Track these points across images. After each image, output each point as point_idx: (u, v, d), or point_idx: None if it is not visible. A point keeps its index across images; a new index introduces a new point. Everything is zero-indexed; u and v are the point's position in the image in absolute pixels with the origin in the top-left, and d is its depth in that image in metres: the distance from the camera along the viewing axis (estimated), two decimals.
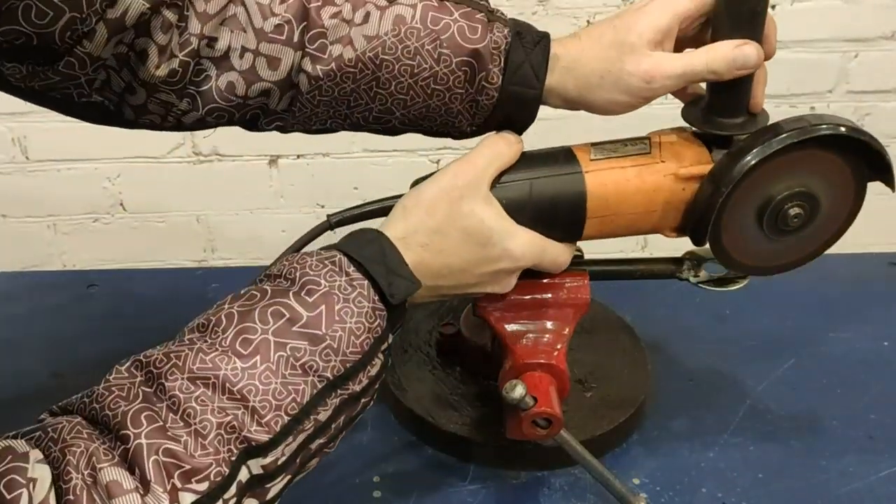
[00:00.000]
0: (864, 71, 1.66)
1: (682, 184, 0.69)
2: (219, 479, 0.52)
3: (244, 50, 0.67)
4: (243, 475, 0.54)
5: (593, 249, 0.79)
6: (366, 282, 0.60)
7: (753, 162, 0.66)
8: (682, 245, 0.75)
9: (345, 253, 0.62)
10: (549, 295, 0.75)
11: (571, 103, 0.71)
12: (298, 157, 1.72)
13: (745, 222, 0.70)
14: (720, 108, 0.70)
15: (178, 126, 0.71)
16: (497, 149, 0.69)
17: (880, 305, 1.00)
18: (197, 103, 0.68)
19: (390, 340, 0.63)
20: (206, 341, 0.56)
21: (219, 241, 1.84)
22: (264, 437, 0.54)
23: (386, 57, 0.67)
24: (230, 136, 1.76)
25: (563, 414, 0.70)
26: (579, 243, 0.78)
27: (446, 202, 0.65)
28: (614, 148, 0.71)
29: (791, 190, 0.68)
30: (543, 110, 0.72)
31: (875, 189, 0.71)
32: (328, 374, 0.57)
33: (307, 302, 0.58)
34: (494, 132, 0.71)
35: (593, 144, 0.72)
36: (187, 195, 1.77)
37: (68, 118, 0.72)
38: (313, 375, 0.57)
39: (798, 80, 1.65)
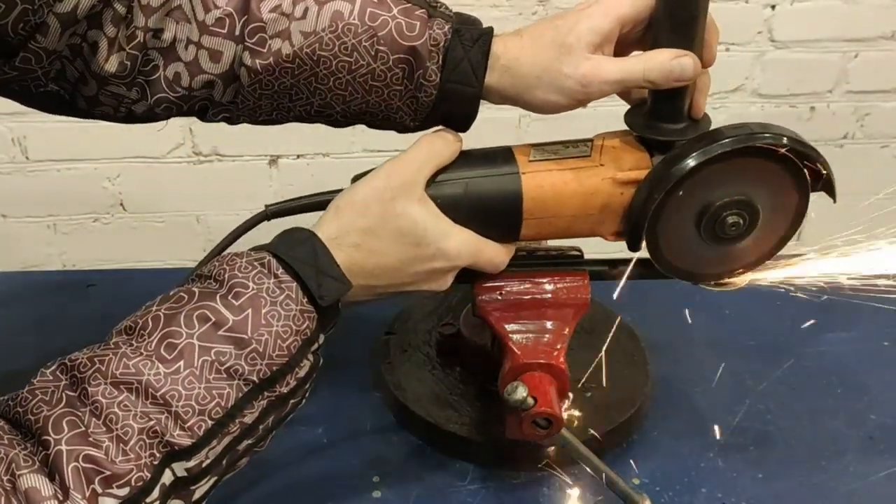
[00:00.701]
0: (864, 71, 1.66)
1: (621, 188, 0.69)
2: (140, 483, 0.53)
3: (188, 42, 0.68)
4: (167, 478, 0.55)
5: (593, 249, 0.79)
6: (294, 284, 0.60)
7: (689, 167, 0.65)
8: None
9: (275, 254, 0.61)
10: (549, 295, 0.75)
11: (509, 101, 0.71)
12: (298, 157, 1.72)
13: (684, 228, 0.70)
14: (661, 113, 0.69)
15: (130, 116, 0.71)
16: (433, 147, 0.68)
17: (880, 305, 1.00)
18: (146, 93, 0.69)
19: (321, 341, 0.63)
20: (130, 345, 0.56)
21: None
22: (187, 442, 0.55)
23: (323, 53, 0.67)
24: (230, 136, 1.75)
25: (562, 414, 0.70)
26: (579, 244, 0.78)
27: (379, 202, 0.65)
28: (555, 150, 0.71)
29: (729, 197, 0.68)
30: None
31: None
32: (254, 378, 0.58)
33: (233, 305, 0.58)
34: (432, 130, 0.71)
35: (534, 145, 0.71)
36: (187, 195, 1.77)
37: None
38: (238, 379, 0.57)
39: (798, 80, 1.65)
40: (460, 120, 0.71)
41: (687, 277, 0.74)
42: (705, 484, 0.78)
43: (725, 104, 1.66)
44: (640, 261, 0.75)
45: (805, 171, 0.67)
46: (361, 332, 0.93)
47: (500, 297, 0.76)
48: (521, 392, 0.68)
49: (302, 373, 0.61)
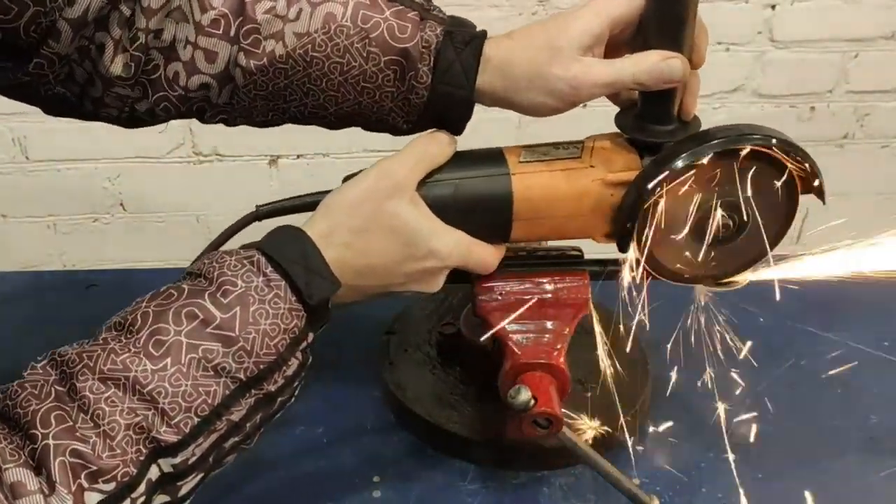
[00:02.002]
0: (864, 71, 1.66)
1: (611, 189, 0.69)
2: (126, 478, 0.53)
3: (186, 41, 0.68)
4: (153, 474, 0.55)
5: (593, 249, 0.79)
6: (283, 282, 0.60)
7: (678, 168, 0.65)
8: None
9: (264, 252, 0.62)
10: (549, 295, 0.75)
11: (500, 103, 0.71)
12: (298, 157, 1.72)
13: (674, 230, 0.69)
14: (650, 115, 0.69)
15: (133, 118, 0.72)
16: (426, 148, 0.69)
17: (881, 306, 1.00)
18: (147, 92, 0.69)
19: (310, 339, 0.63)
20: (119, 341, 0.57)
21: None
22: (173, 438, 0.55)
23: (316, 54, 0.68)
24: (230, 136, 1.75)
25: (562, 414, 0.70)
26: (580, 244, 0.78)
27: (370, 202, 0.65)
28: (545, 151, 0.71)
29: (719, 199, 0.68)
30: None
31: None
32: (241, 376, 0.58)
33: (222, 303, 0.58)
34: (427, 132, 0.71)
35: (525, 147, 0.71)
36: (187, 195, 1.77)
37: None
38: (226, 377, 0.57)
39: (798, 80, 1.65)
40: (454, 122, 0.71)
41: (677, 279, 0.74)
42: (705, 484, 0.78)
43: (725, 104, 1.66)
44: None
45: (794, 172, 0.67)
46: (361, 332, 0.93)
47: (500, 297, 0.76)
48: (524, 394, 0.68)
49: (290, 371, 0.61)
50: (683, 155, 0.66)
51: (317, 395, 0.89)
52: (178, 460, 0.56)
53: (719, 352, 0.93)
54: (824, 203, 0.69)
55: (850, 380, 0.89)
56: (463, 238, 0.69)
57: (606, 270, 0.79)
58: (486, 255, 0.71)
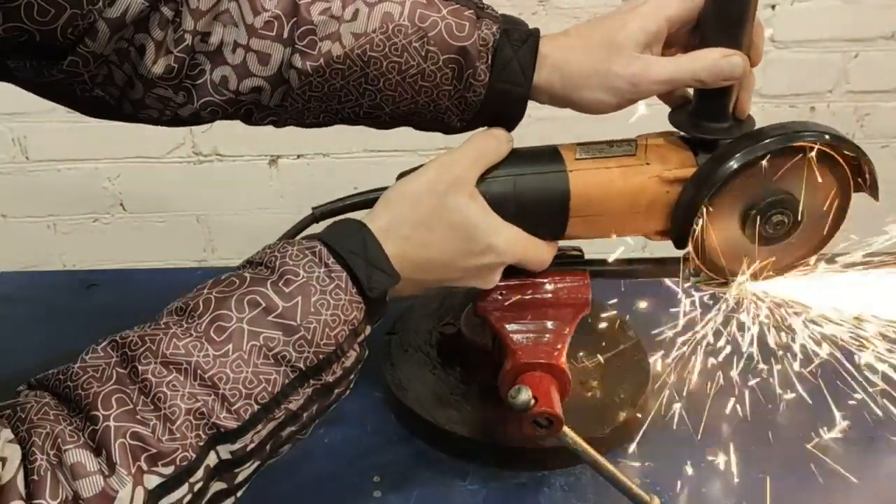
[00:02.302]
0: (864, 71, 1.66)
1: (667, 186, 0.69)
2: (185, 463, 0.53)
3: (236, 45, 0.68)
4: (211, 460, 0.55)
5: (594, 249, 0.79)
6: (344, 274, 0.60)
7: (736, 166, 0.66)
8: None
9: (326, 243, 0.62)
10: (549, 295, 0.75)
11: (558, 101, 0.71)
12: (298, 157, 1.72)
13: (729, 228, 0.70)
14: (706, 112, 0.70)
15: (175, 119, 0.72)
16: (485, 145, 0.69)
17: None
18: (192, 97, 0.69)
19: (368, 332, 0.63)
20: (181, 326, 0.57)
21: (219, 241, 1.84)
22: (233, 425, 0.55)
23: (374, 54, 0.68)
24: (230, 136, 1.75)
25: (563, 414, 0.70)
26: (579, 244, 0.78)
27: (432, 196, 0.66)
28: (600, 148, 0.71)
29: (775, 196, 0.68)
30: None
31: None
32: (301, 365, 0.58)
33: (284, 292, 0.58)
34: (484, 129, 0.72)
35: (579, 144, 0.72)
36: (187, 195, 1.77)
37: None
38: (286, 365, 0.57)
39: (798, 80, 1.65)
40: (508, 120, 0.72)
41: (725, 276, 0.74)
42: (705, 484, 0.78)
43: None
44: (649, 260, 0.75)
45: (847, 168, 0.67)
46: None
47: (500, 297, 0.76)
48: (524, 395, 0.68)
49: (348, 363, 0.61)
50: (741, 152, 0.66)
51: None
52: (236, 447, 0.56)
53: (719, 351, 0.93)
54: (877, 200, 0.68)
55: (850, 380, 0.89)
56: (520, 234, 0.69)
57: (607, 270, 0.79)
58: (541, 251, 0.72)
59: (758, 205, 0.68)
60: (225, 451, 0.56)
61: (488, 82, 0.69)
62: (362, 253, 0.62)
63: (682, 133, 0.72)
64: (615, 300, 0.93)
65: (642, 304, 0.95)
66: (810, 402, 0.87)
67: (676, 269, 0.79)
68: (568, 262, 0.78)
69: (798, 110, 1.67)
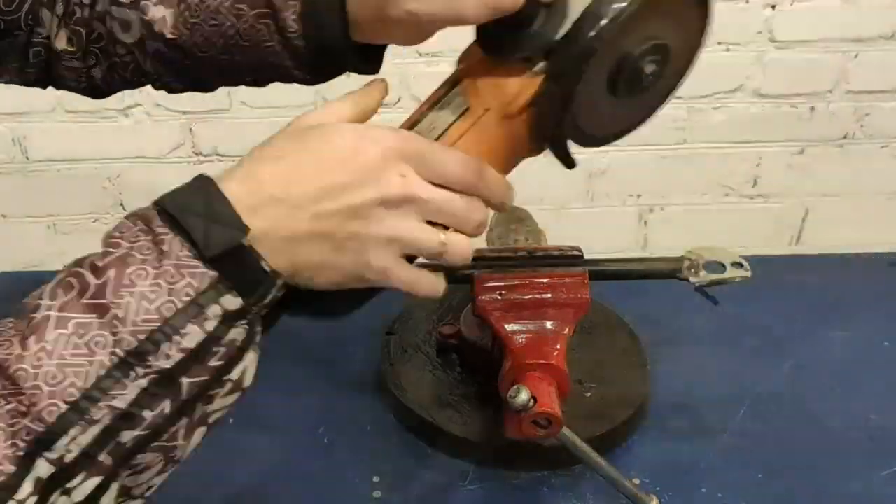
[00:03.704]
0: (864, 71, 1.66)
1: (518, 116, 0.59)
2: (1, 478, 0.45)
3: (106, 13, 0.70)
4: (43, 471, 0.46)
5: (594, 249, 0.79)
6: (170, 235, 0.50)
7: (608, 24, 0.55)
8: (681, 245, 0.75)
9: (162, 205, 0.52)
10: (549, 295, 0.75)
11: (381, 31, 0.63)
12: None
13: (598, 96, 0.60)
14: (514, 23, 0.58)
15: (91, 87, 0.74)
16: (351, 99, 0.59)
17: (880, 305, 1.00)
18: (100, 60, 0.72)
19: (237, 306, 0.50)
20: (12, 324, 0.49)
21: None
22: (40, 428, 0.46)
23: (195, 20, 0.68)
24: (230, 136, 1.75)
25: (562, 414, 0.70)
26: (580, 244, 0.78)
27: (290, 133, 0.58)
28: (432, 122, 0.61)
29: (644, 45, 0.58)
30: None
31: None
32: (117, 350, 0.47)
33: (98, 268, 0.49)
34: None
35: (412, 122, 0.61)
36: None
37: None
38: (102, 354, 0.47)
39: (798, 79, 1.65)
40: (366, 64, 0.66)
41: (600, 143, 0.63)
42: (705, 484, 0.78)
43: (726, 104, 1.66)
44: (648, 259, 0.74)
45: None
46: (361, 333, 0.93)
47: (500, 297, 0.76)
48: (524, 395, 0.68)
49: (189, 343, 0.49)
50: (606, 17, 0.55)
51: (317, 394, 0.89)
52: (53, 456, 0.47)
53: (719, 351, 0.93)
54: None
55: (850, 379, 0.90)
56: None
57: (607, 270, 0.79)
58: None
59: (628, 59, 0.58)
60: (45, 461, 0.47)
61: (302, 30, 0.64)
62: (204, 209, 0.51)
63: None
64: (615, 300, 0.94)
65: (642, 304, 0.95)
66: (811, 401, 0.87)
67: (676, 268, 0.79)
68: (568, 262, 0.78)
69: (798, 110, 1.67)
